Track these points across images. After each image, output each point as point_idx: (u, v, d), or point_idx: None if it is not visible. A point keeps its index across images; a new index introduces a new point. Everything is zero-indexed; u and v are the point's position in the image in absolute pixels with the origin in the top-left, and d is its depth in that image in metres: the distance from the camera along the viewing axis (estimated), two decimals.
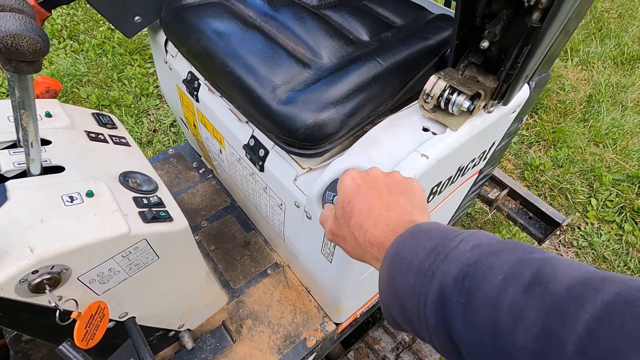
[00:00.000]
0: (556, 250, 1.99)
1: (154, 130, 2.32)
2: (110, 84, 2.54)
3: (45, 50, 0.44)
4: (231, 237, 1.11)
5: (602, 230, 2.03)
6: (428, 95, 0.60)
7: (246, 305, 0.97)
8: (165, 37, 0.94)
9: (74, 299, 0.53)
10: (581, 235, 2.02)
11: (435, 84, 0.58)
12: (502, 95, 0.60)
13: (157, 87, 2.54)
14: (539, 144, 2.38)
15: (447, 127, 0.61)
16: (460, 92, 0.58)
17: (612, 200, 2.12)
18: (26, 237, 0.48)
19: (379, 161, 0.59)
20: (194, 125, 1.02)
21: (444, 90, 0.59)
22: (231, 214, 1.17)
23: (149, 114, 2.39)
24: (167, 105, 2.45)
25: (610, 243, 1.97)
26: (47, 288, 0.48)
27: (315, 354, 0.98)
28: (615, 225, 2.04)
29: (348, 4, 0.83)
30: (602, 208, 2.10)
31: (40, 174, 0.56)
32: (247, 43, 0.69)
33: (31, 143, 0.52)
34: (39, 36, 0.43)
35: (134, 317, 0.69)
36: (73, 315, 0.51)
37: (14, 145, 0.62)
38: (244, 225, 1.14)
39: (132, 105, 2.41)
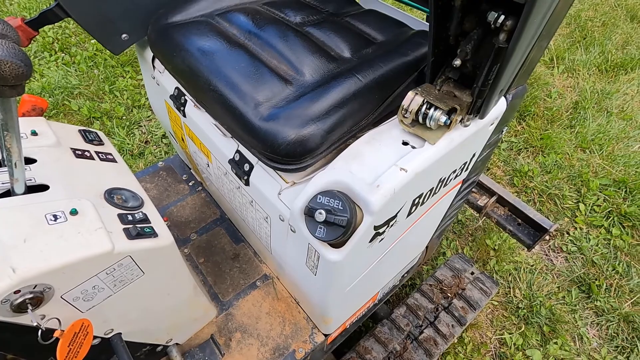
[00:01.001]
0: (546, 255, 2.01)
1: (146, 142, 2.32)
2: (102, 96, 2.54)
3: (28, 75, 0.45)
4: (220, 249, 1.12)
5: (591, 234, 2.06)
6: (406, 110, 0.61)
7: (235, 318, 0.97)
8: (152, 53, 0.95)
9: (57, 318, 0.53)
10: (570, 240, 2.05)
11: (412, 100, 0.60)
12: (477, 109, 0.62)
13: (148, 98, 2.55)
14: (528, 151, 2.42)
15: (426, 140, 0.63)
16: (436, 107, 0.60)
17: (600, 205, 2.15)
18: (9, 257, 0.48)
19: (360, 176, 0.60)
20: (182, 139, 1.03)
21: (422, 106, 0.60)
22: (220, 226, 1.18)
23: (141, 126, 2.39)
24: None
25: (599, 247, 2.00)
26: (30, 307, 0.49)
27: None
28: (604, 229, 2.07)
29: (330, 21, 0.86)
30: (590, 213, 2.14)
31: (24, 193, 0.56)
32: (230, 61, 0.71)
33: (15, 163, 0.53)
34: (22, 61, 0.44)
35: (120, 333, 0.69)
36: (56, 334, 0.52)
37: None
38: (233, 237, 1.15)
39: (124, 117, 2.42)
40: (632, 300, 1.80)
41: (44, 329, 0.51)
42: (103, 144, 0.81)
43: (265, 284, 1.04)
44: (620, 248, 1.99)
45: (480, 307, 1.42)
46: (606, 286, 1.85)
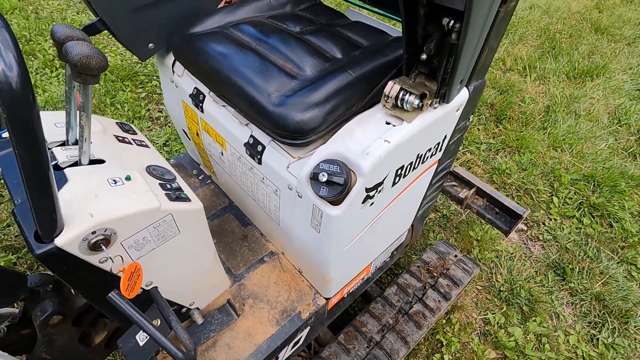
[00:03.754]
0: (524, 244, 2.18)
1: None
2: (104, 109, 2.68)
3: (106, 67, 0.61)
4: (230, 231, 1.26)
5: (564, 224, 2.24)
6: (388, 96, 0.79)
7: (247, 287, 1.11)
8: (172, 60, 1.12)
9: (120, 256, 0.67)
10: (546, 230, 2.23)
11: (392, 88, 0.78)
12: (443, 95, 0.80)
13: (148, 110, 2.70)
14: (505, 151, 2.62)
15: (404, 120, 0.80)
16: (411, 93, 0.77)
17: (572, 198, 2.35)
18: (85, 207, 0.63)
19: (353, 147, 0.77)
20: (197, 134, 1.19)
21: (399, 92, 0.78)
22: (229, 212, 1.32)
23: None
24: (159, 127, 2.61)
25: (572, 235, 2.18)
26: (102, 246, 0.63)
27: (309, 327, 1.12)
28: (575, 219, 2.26)
29: (324, 30, 1.04)
30: (563, 205, 2.33)
31: (88, 164, 0.71)
32: (246, 61, 0.88)
33: (85, 138, 0.68)
34: (103, 56, 0.60)
35: (157, 287, 0.83)
36: (120, 269, 0.66)
37: (62, 144, 0.77)
38: (241, 221, 1.29)
39: None
40: (602, 281, 1.98)
41: (113, 262, 0.65)
42: (136, 134, 0.96)
43: (271, 259, 1.19)
44: (590, 235, 2.18)
45: (463, 284, 1.57)
46: (579, 269, 2.02)
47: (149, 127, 2.62)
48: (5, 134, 0.81)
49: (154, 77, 2.93)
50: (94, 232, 0.62)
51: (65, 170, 0.67)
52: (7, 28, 0.46)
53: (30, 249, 0.58)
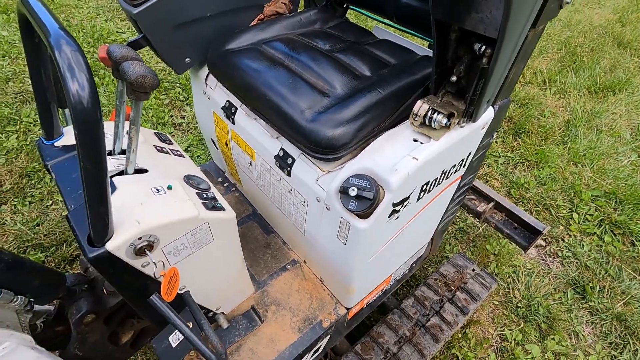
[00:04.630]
0: (543, 260, 2.16)
1: None
2: None
3: (157, 85, 0.65)
4: (254, 239, 1.30)
5: (584, 241, 2.21)
6: (416, 115, 0.82)
7: (270, 294, 1.14)
8: (206, 73, 1.17)
9: (162, 261, 0.72)
10: (565, 246, 2.20)
11: (421, 107, 0.81)
12: (470, 114, 0.82)
13: (171, 116, 2.79)
14: (523, 165, 2.61)
15: (431, 138, 0.83)
16: (439, 112, 0.80)
17: (592, 215, 2.32)
18: (133, 214, 0.67)
19: (381, 163, 0.80)
20: (226, 144, 1.24)
21: (428, 111, 0.81)
22: (253, 220, 1.36)
23: None
24: (181, 133, 2.69)
25: (592, 253, 2.15)
26: (147, 252, 0.67)
27: (329, 336, 1.14)
28: (596, 237, 2.23)
29: (353, 48, 1.08)
30: (583, 222, 2.30)
31: (133, 173, 0.76)
32: (279, 78, 0.92)
33: (133, 149, 0.73)
34: (155, 76, 0.65)
35: (189, 291, 0.87)
36: (162, 273, 0.70)
37: (109, 153, 0.82)
38: (265, 229, 1.33)
39: None
40: (624, 301, 1.94)
41: (156, 267, 0.69)
42: (172, 144, 1.01)
43: (294, 267, 1.22)
44: (612, 253, 2.14)
45: (481, 299, 1.57)
46: (599, 288, 1.99)
47: (171, 132, 2.70)
48: (59, 143, 0.87)
49: (177, 84, 3.03)
50: (139, 238, 0.66)
51: (113, 179, 0.72)
52: (80, 52, 0.51)
53: (84, 253, 0.62)
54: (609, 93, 3.15)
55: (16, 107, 2.66)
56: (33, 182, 2.23)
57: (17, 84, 2.86)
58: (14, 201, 2.12)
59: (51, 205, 2.12)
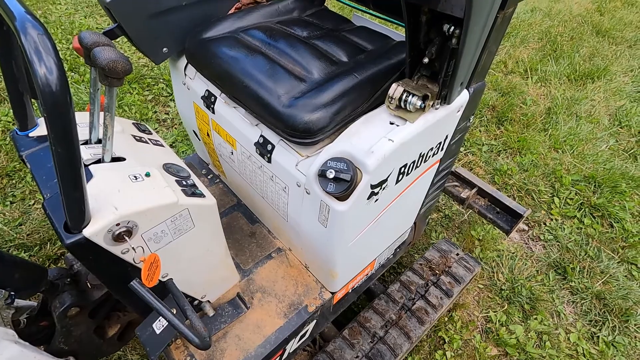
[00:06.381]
0: (526, 243, 2.22)
1: None
2: None
3: (131, 70, 0.65)
4: (239, 229, 1.30)
5: (565, 225, 2.27)
6: (391, 97, 0.83)
7: (255, 282, 1.15)
8: (184, 63, 1.17)
9: (141, 246, 0.72)
10: (547, 230, 2.26)
11: (395, 90, 0.82)
12: (444, 97, 0.84)
13: (155, 112, 2.76)
14: (506, 152, 2.66)
15: (407, 120, 0.84)
16: (414, 95, 0.81)
17: (572, 199, 2.38)
18: (110, 200, 0.67)
19: (358, 146, 0.81)
20: (207, 134, 1.23)
21: (403, 94, 0.82)
22: (237, 210, 1.37)
23: None
24: (166, 129, 2.66)
25: (572, 235, 2.21)
26: (125, 238, 0.68)
27: (315, 321, 1.16)
28: (576, 219, 2.29)
29: (330, 35, 1.08)
30: (564, 205, 2.36)
31: (110, 161, 0.76)
32: (256, 65, 0.93)
33: (109, 137, 0.72)
34: (127, 61, 0.64)
35: (172, 279, 0.87)
36: (141, 259, 0.70)
37: (85, 143, 0.82)
38: (249, 219, 1.34)
39: None
40: (602, 280, 2.00)
41: (135, 252, 0.69)
42: (152, 134, 1.01)
43: (279, 255, 1.23)
44: (591, 235, 2.21)
45: (465, 282, 1.61)
46: (579, 268, 2.05)
47: (156, 128, 2.67)
48: (33, 133, 0.86)
49: (160, 80, 2.99)
50: (117, 224, 0.67)
51: (90, 167, 0.72)
52: (47, 35, 0.51)
53: (61, 239, 0.62)
54: (588, 80, 3.22)
55: None
56: (14, 181, 2.19)
57: None
58: None
59: (33, 204, 2.09)
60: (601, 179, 2.44)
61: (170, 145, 2.52)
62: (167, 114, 2.77)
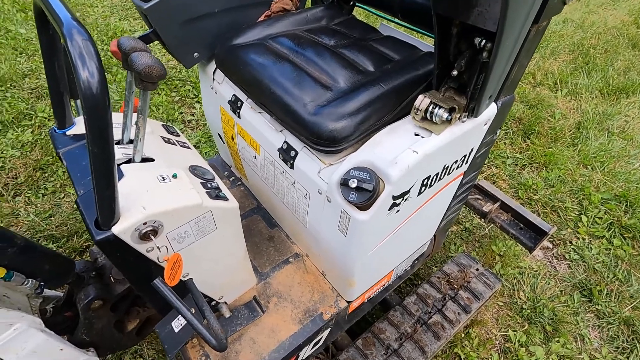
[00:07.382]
0: (549, 262, 2.14)
1: None
2: None
3: (165, 75, 0.68)
4: (258, 232, 1.32)
5: (593, 244, 2.18)
6: (417, 109, 0.82)
7: (272, 286, 1.16)
8: (213, 68, 1.20)
9: (165, 246, 0.74)
10: (573, 249, 2.17)
11: (422, 101, 0.81)
12: (471, 110, 0.83)
13: (181, 113, 2.84)
14: (532, 166, 2.58)
15: (432, 132, 0.84)
16: (440, 107, 0.80)
17: (602, 218, 2.28)
18: (139, 200, 0.70)
19: (382, 156, 0.81)
20: (232, 138, 1.26)
21: (429, 105, 0.81)
22: (257, 214, 1.38)
23: None
24: (190, 130, 2.73)
25: (600, 256, 2.12)
26: (151, 236, 0.70)
27: (329, 329, 1.15)
28: (605, 240, 2.20)
29: (357, 44, 1.09)
30: (592, 224, 2.27)
31: (140, 162, 0.79)
32: (284, 72, 0.94)
33: (140, 138, 0.75)
34: (162, 67, 0.67)
35: (192, 279, 0.89)
36: (164, 258, 0.72)
37: (117, 142, 0.85)
38: (269, 223, 1.35)
39: None
40: (632, 305, 1.91)
41: (160, 251, 0.71)
42: (179, 135, 1.04)
43: (296, 260, 1.24)
44: (621, 257, 2.11)
45: (485, 299, 1.56)
46: (607, 291, 1.96)
47: (181, 129, 2.74)
48: (70, 132, 0.90)
49: (188, 82, 3.08)
50: (145, 223, 0.69)
51: (121, 166, 0.75)
52: (91, 41, 0.53)
53: (91, 235, 0.65)
54: (622, 95, 3.09)
55: (32, 103, 2.74)
56: (46, 175, 2.29)
57: (33, 79, 2.94)
58: (28, 193, 2.18)
59: (63, 197, 2.18)
60: (633, 199, 2.33)
61: (194, 146, 2.58)
62: (193, 115, 2.84)
